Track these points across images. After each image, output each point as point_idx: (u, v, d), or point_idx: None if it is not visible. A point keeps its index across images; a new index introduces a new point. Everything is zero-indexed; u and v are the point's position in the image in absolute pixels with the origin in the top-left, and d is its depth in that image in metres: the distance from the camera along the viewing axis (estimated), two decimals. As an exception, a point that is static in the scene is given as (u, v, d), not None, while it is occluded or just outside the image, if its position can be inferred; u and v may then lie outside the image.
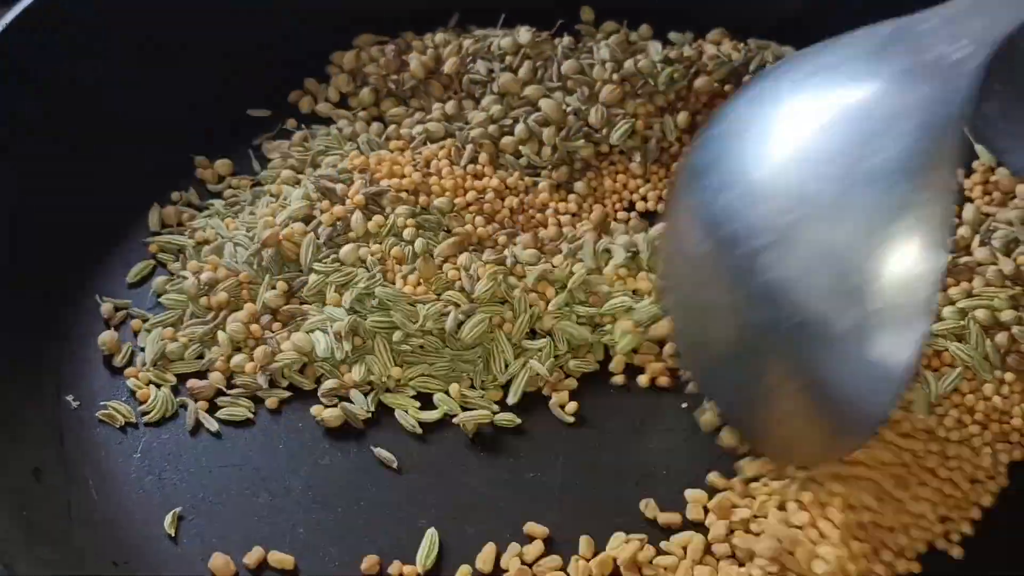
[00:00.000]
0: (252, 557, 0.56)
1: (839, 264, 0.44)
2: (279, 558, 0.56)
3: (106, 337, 0.62)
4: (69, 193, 0.66)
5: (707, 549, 0.55)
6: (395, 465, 0.59)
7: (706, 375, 0.55)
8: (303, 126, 0.72)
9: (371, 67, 0.74)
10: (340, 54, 0.75)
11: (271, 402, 0.61)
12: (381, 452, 0.59)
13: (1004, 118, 0.70)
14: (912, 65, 0.47)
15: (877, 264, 0.43)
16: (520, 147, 0.70)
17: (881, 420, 0.48)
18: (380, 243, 0.64)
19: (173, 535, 0.56)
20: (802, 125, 0.48)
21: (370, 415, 0.60)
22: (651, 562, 0.55)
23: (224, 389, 0.61)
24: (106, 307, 0.64)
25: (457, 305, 0.61)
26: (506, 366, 0.61)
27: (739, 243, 0.47)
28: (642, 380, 0.61)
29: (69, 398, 0.61)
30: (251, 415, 0.60)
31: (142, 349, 0.62)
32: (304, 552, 0.56)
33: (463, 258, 0.63)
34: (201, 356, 0.62)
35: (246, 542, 0.56)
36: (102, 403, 0.60)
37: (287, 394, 0.61)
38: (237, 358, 0.61)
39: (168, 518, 0.57)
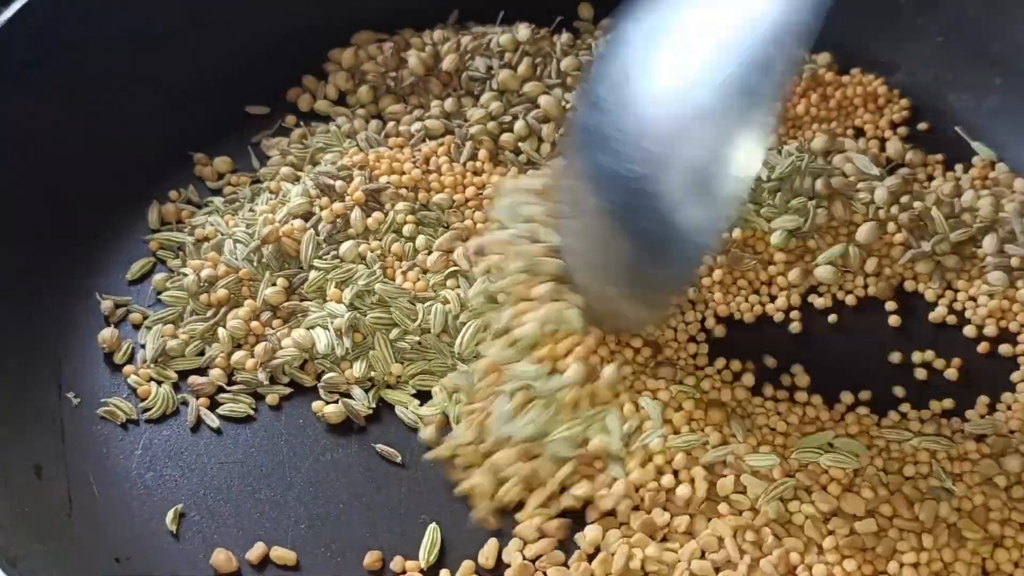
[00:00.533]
0: (254, 553, 0.56)
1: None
2: (281, 554, 0.56)
3: (106, 334, 0.62)
4: (68, 190, 0.66)
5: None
6: (398, 460, 0.59)
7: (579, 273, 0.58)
8: (302, 123, 0.72)
9: (369, 64, 0.74)
10: (339, 51, 0.75)
11: (272, 398, 0.60)
12: (383, 448, 0.59)
13: (1004, 112, 0.70)
14: None
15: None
16: (519, 144, 0.70)
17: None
18: (380, 240, 0.64)
19: (175, 531, 0.56)
20: (670, 46, 0.51)
21: (371, 411, 0.60)
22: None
23: (225, 386, 0.61)
24: (106, 304, 0.64)
25: (446, 302, 0.61)
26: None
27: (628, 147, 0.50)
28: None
29: (70, 395, 0.60)
30: (252, 411, 0.60)
31: (142, 346, 0.62)
32: (306, 548, 0.56)
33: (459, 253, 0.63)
34: (201, 353, 0.62)
35: (248, 538, 0.56)
36: (103, 400, 0.60)
37: (288, 390, 0.61)
38: (238, 355, 0.61)
39: (170, 514, 0.57)
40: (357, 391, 0.60)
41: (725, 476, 0.57)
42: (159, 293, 0.64)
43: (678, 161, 0.49)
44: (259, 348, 0.61)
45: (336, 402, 0.60)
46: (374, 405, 0.60)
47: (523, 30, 0.73)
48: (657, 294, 0.56)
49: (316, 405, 0.60)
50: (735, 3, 0.50)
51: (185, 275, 0.64)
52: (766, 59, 0.47)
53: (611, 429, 0.57)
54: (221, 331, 0.62)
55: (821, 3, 0.48)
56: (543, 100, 0.70)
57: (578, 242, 0.57)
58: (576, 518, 0.57)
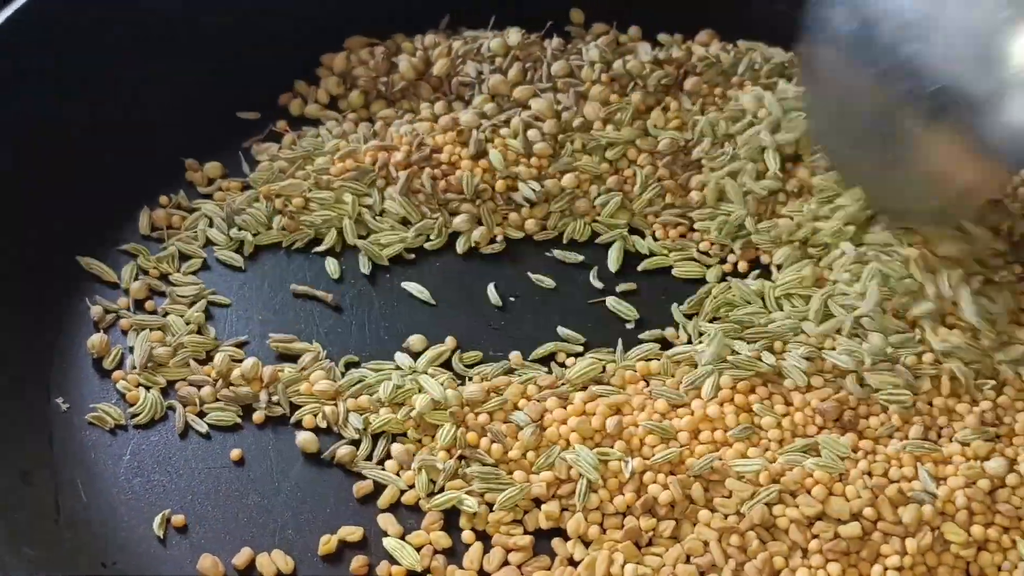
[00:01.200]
0: (240, 558, 0.56)
1: (977, 36, 0.49)
2: (268, 559, 0.56)
3: (95, 340, 0.62)
4: (58, 196, 0.66)
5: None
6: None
7: (842, 155, 0.59)
8: (289, 128, 0.72)
9: (361, 69, 0.74)
10: (330, 56, 0.75)
11: (258, 417, 0.61)
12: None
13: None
14: None
15: (1012, 36, 0.48)
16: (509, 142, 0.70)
17: (1012, 173, 0.57)
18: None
19: (162, 536, 0.57)
20: None
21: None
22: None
23: (215, 397, 0.61)
24: (96, 310, 0.64)
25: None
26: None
27: (882, 21, 0.52)
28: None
29: (59, 401, 0.61)
30: (239, 419, 0.60)
31: (131, 350, 0.62)
32: (292, 553, 0.56)
33: None
34: (187, 364, 0.62)
35: (234, 543, 0.56)
36: (91, 405, 0.61)
37: (281, 411, 0.61)
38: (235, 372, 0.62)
39: (157, 520, 0.57)
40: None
41: (712, 480, 0.57)
42: (140, 302, 0.65)
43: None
44: (266, 371, 0.61)
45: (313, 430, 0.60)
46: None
47: (514, 35, 0.73)
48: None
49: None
50: None
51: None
52: None
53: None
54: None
55: None
56: (535, 103, 0.70)
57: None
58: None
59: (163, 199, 0.69)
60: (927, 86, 0.50)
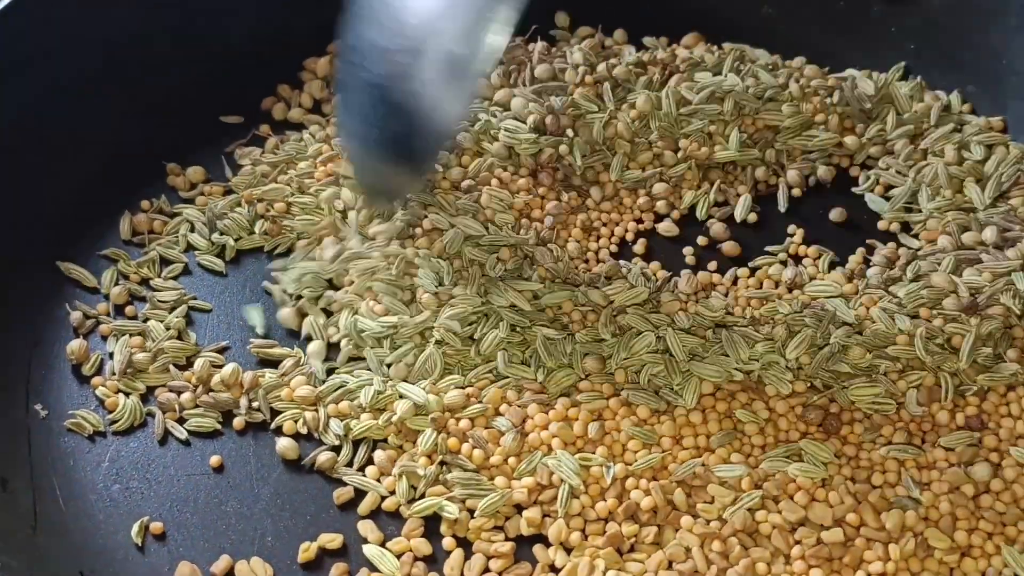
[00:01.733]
0: (219, 566, 0.55)
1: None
2: (247, 567, 0.55)
3: (75, 346, 0.62)
4: (40, 200, 0.66)
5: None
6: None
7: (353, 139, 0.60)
8: (272, 132, 0.72)
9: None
10: (314, 60, 0.75)
11: (238, 423, 0.60)
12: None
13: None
14: None
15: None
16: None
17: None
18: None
19: (140, 544, 0.56)
20: None
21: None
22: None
23: (195, 403, 0.61)
24: (76, 315, 0.63)
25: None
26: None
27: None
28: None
29: (38, 407, 0.60)
30: (219, 426, 0.60)
31: (111, 356, 0.62)
32: (271, 561, 0.56)
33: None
34: (167, 370, 0.62)
35: (213, 551, 0.56)
36: (70, 412, 0.60)
37: (261, 417, 0.61)
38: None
39: (135, 527, 0.57)
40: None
41: (694, 485, 0.57)
42: (120, 307, 0.64)
43: (431, 40, 0.53)
44: (247, 376, 0.61)
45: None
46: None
47: None
48: (413, 164, 0.59)
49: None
50: None
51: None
52: None
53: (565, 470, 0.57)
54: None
55: None
56: (515, 103, 0.70)
57: (349, 115, 0.59)
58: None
59: (145, 204, 0.68)
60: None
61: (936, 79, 0.71)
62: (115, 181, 0.68)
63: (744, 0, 0.76)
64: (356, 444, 0.59)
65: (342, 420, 0.59)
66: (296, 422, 0.60)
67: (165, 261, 0.66)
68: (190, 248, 0.67)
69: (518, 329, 0.61)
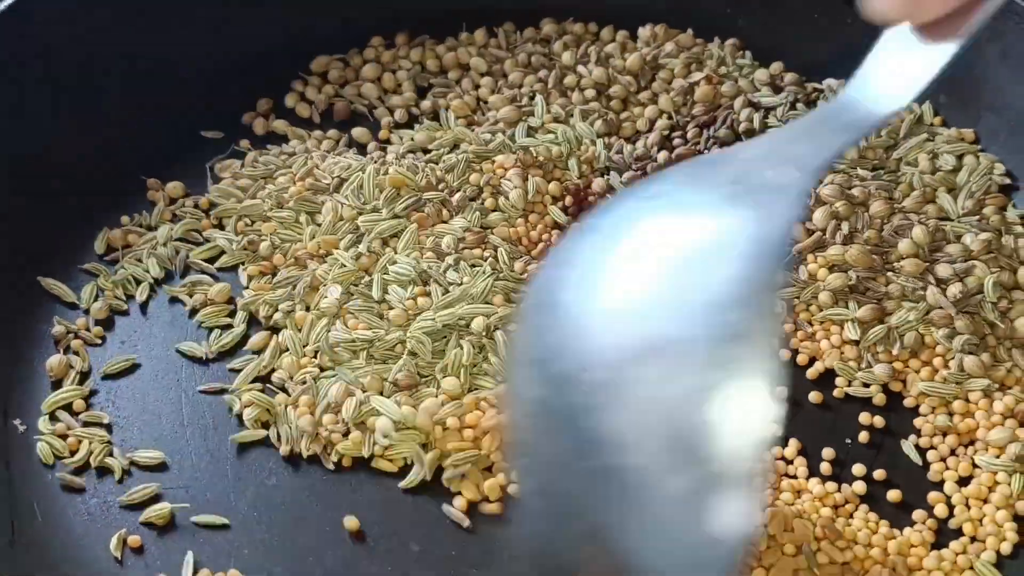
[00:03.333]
0: (197, 579, 0.56)
1: (673, 410, 0.41)
2: (223, 580, 0.56)
3: (54, 362, 0.62)
4: (20, 214, 0.66)
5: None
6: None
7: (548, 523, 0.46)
8: (251, 147, 0.72)
9: (328, 88, 0.75)
10: (301, 84, 0.76)
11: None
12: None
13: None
14: (737, 191, 0.45)
15: (712, 412, 0.40)
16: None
17: None
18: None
19: (119, 557, 0.57)
20: (633, 258, 0.46)
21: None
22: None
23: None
24: (58, 329, 0.64)
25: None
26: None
27: (571, 381, 0.43)
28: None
29: (16, 422, 0.61)
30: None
31: (86, 375, 0.63)
32: (250, 573, 0.56)
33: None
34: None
35: (192, 564, 0.56)
36: (35, 437, 0.60)
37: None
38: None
39: (113, 540, 0.57)
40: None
41: None
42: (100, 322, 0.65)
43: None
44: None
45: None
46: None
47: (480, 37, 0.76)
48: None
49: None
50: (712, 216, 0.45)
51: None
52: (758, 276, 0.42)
53: None
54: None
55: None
56: (495, 99, 0.72)
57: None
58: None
59: (124, 218, 0.69)
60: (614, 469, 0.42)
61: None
62: (97, 196, 0.69)
63: (718, 7, 0.76)
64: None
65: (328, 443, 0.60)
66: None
67: (136, 280, 0.66)
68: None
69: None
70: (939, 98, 0.71)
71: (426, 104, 0.74)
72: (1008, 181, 0.68)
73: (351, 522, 0.57)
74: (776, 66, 0.74)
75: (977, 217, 0.66)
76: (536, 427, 0.45)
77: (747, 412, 0.39)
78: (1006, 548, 0.57)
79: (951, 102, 0.71)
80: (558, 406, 0.43)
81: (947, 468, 0.59)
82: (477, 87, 0.75)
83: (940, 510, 0.58)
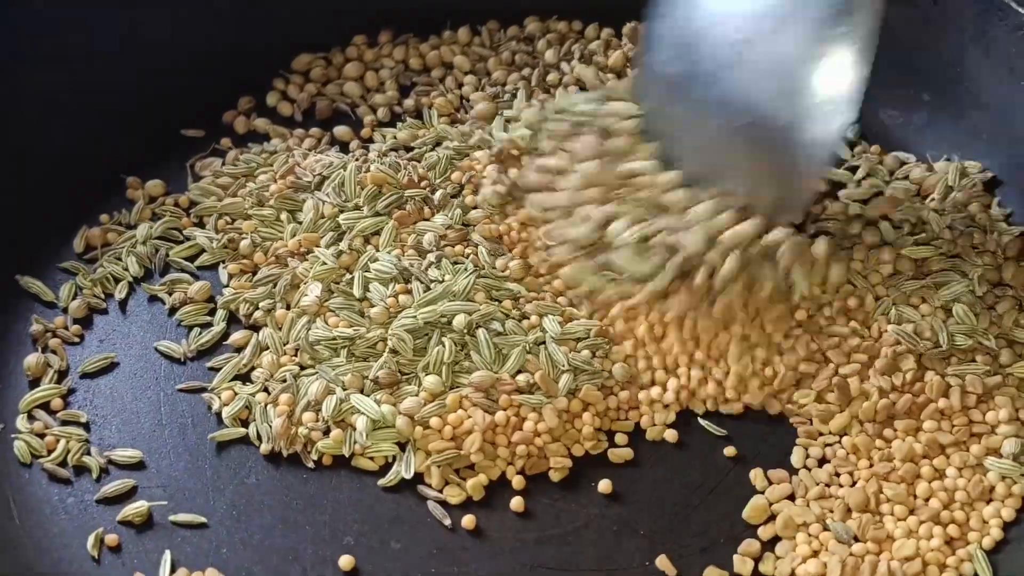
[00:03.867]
0: (175, 578, 0.55)
1: (779, 72, 0.56)
2: (202, 580, 0.56)
3: (32, 361, 0.62)
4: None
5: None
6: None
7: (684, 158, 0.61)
8: (232, 146, 0.72)
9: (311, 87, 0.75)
10: (282, 82, 0.75)
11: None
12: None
13: (931, 127, 0.71)
14: None
15: (809, 70, 0.55)
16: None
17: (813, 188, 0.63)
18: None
19: (96, 556, 0.56)
20: None
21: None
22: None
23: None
24: (36, 328, 0.63)
25: None
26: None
27: (702, 61, 0.58)
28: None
29: (-7, 421, 0.60)
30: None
31: (64, 373, 0.62)
32: (227, 572, 0.56)
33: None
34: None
35: (170, 563, 0.56)
36: (12, 436, 0.60)
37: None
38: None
39: (91, 539, 0.56)
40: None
41: None
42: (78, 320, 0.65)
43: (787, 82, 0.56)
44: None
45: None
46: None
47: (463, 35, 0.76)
48: (807, 184, 0.61)
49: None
50: None
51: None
52: None
53: None
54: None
55: None
56: (475, 96, 0.72)
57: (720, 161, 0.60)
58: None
59: (104, 217, 0.68)
60: (738, 121, 0.57)
61: (893, 88, 0.71)
62: (77, 194, 0.68)
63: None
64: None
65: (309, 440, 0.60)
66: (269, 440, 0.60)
67: (116, 279, 0.66)
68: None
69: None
70: (922, 96, 0.71)
71: (409, 102, 0.74)
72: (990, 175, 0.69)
73: (346, 561, 0.57)
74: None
75: (963, 215, 0.66)
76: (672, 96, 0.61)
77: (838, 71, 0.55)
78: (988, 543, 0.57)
79: (934, 100, 0.71)
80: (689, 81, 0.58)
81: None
82: (460, 85, 0.74)
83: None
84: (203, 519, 0.57)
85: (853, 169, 0.70)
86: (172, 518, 0.57)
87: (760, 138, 0.57)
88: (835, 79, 0.55)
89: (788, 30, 0.56)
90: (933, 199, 0.67)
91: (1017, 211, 0.68)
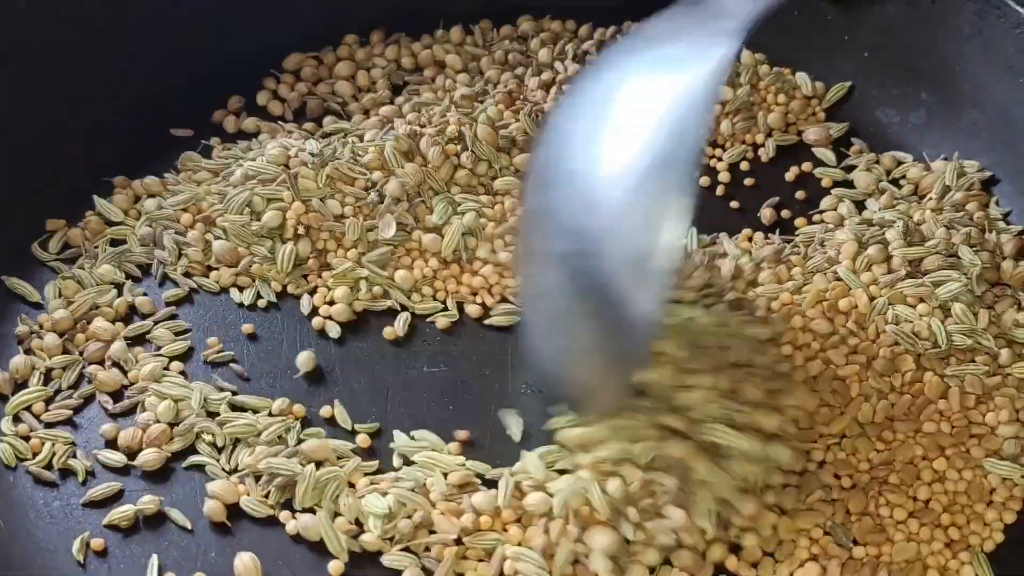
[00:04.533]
0: (163, 583, 0.55)
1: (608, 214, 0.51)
2: (190, 583, 0.55)
3: (18, 362, 0.61)
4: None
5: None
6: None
7: (544, 349, 0.57)
8: (221, 142, 0.71)
9: (302, 86, 0.74)
10: (272, 81, 0.75)
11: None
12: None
13: (930, 126, 0.70)
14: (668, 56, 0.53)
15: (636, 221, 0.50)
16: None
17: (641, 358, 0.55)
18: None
19: (82, 561, 0.55)
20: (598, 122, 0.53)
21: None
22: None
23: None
24: (22, 328, 0.62)
25: None
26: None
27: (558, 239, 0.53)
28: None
29: (-22, 425, 0.59)
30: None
31: (47, 373, 0.61)
32: (216, 576, 0.55)
33: None
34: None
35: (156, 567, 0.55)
36: (12, 429, 0.59)
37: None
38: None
39: (76, 543, 0.55)
40: None
41: None
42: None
43: (616, 236, 0.50)
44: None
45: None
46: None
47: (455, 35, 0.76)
48: (622, 368, 0.54)
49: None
50: (662, 78, 0.52)
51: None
52: (672, 149, 0.49)
53: None
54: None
55: (720, 78, 0.51)
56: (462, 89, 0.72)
57: (544, 324, 0.56)
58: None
59: (90, 215, 0.67)
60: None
61: (891, 87, 0.71)
62: (63, 194, 0.67)
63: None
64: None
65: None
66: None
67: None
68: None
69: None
70: (920, 95, 0.70)
71: (400, 101, 0.73)
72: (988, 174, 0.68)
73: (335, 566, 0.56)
74: (751, 58, 0.74)
75: (960, 214, 0.65)
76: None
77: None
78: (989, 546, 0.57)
79: (932, 99, 0.70)
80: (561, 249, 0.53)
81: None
82: (453, 85, 0.73)
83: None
84: (190, 524, 0.57)
85: (849, 169, 0.69)
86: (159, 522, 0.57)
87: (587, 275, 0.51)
88: (661, 240, 0.49)
89: (619, 191, 0.50)
90: (931, 199, 0.67)
91: (1016, 210, 0.67)
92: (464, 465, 0.58)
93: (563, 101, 0.57)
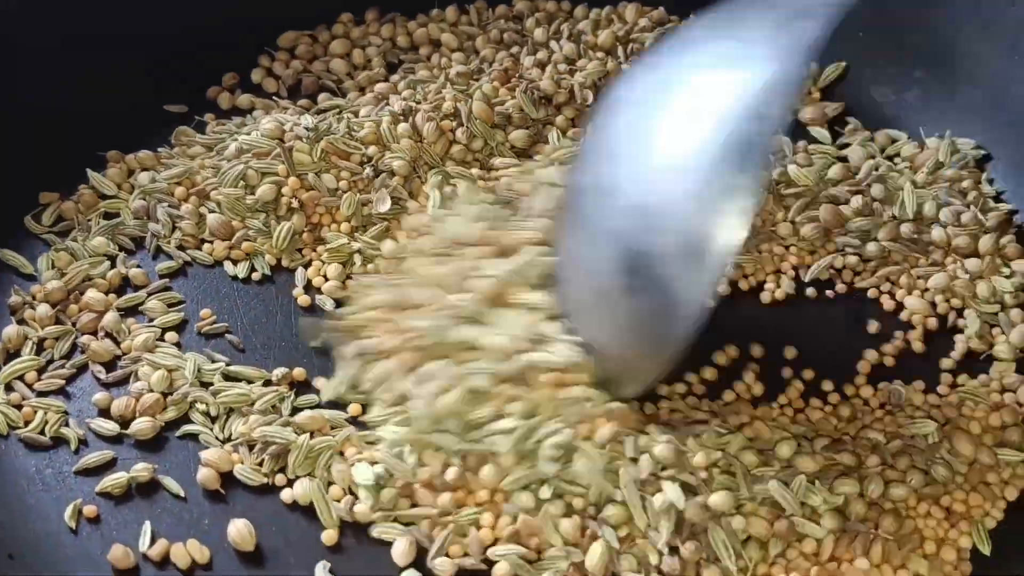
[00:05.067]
0: (156, 550, 0.54)
1: (671, 209, 0.50)
2: (183, 550, 0.54)
3: (11, 332, 0.61)
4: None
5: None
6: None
7: (582, 324, 0.57)
8: (215, 118, 0.71)
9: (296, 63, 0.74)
10: (267, 58, 0.74)
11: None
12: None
13: (925, 105, 0.70)
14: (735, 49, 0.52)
15: (700, 218, 0.50)
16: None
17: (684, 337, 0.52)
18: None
19: (74, 528, 0.55)
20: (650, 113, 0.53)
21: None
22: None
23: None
24: (15, 299, 0.62)
25: None
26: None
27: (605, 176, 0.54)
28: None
29: (-30, 393, 0.59)
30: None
31: (40, 343, 0.61)
32: (208, 544, 0.55)
33: None
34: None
35: (149, 533, 0.55)
36: (4, 398, 0.59)
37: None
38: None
39: (69, 510, 0.55)
40: None
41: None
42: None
43: (671, 230, 0.50)
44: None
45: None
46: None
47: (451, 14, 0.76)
48: (661, 352, 0.53)
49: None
50: (723, 72, 0.51)
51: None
52: (750, 134, 0.48)
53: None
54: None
55: (808, 59, 0.49)
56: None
57: (585, 299, 0.56)
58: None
59: (83, 188, 0.67)
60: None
61: (885, 65, 0.71)
62: (57, 168, 0.67)
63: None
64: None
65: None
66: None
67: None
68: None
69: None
70: (914, 73, 0.71)
71: (395, 79, 0.72)
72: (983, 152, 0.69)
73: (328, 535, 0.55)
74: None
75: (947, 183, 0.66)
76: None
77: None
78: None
79: (929, 76, 0.70)
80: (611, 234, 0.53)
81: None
82: (448, 63, 0.73)
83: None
84: (183, 491, 0.56)
85: (844, 147, 0.69)
86: (152, 489, 0.56)
87: (635, 268, 0.52)
88: (722, 232, 0.49)
89: (689, 174, 0.50)
90: (922, 173, 0.67)
91: (1010, 189, 0.67)
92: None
93: (630, 73, 0.57)
